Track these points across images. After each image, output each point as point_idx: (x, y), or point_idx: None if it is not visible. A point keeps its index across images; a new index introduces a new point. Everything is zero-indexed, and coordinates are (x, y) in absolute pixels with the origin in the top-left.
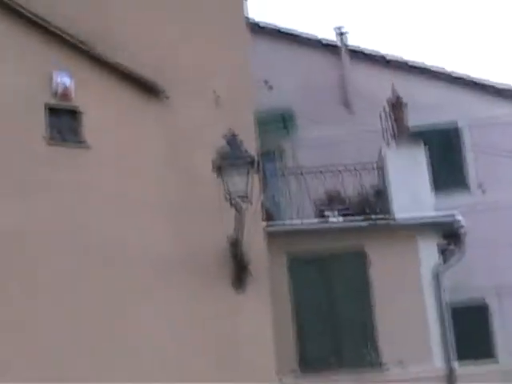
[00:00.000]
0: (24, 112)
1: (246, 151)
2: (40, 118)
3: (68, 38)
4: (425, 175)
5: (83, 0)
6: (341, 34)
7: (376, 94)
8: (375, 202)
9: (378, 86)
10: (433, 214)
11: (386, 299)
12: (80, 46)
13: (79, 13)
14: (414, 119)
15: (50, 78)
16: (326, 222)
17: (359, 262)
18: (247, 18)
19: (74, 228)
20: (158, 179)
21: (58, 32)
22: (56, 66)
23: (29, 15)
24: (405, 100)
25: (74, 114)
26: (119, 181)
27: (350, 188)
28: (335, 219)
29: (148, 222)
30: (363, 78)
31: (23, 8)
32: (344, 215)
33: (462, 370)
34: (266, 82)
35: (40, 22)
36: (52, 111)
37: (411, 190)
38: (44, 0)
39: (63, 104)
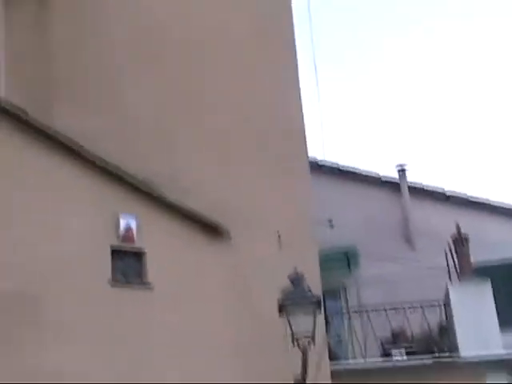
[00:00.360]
0: (89, 253)
1: (311, 291)
2: (105, 260)
3: (133, 180)
4: (491, 312)
5: (148, 143)
6: (401, 171)
7: (438, 230)
8: (441, 339)
9: (439, 222)
10: (501, 352)
11: None
12: (145, 187)
13: (144, 155)
14: (478, 254)
15: (116, 220)
16: (391, 360)
17: None
18: (309, 158)
19: (137, 367)
20: (222, 318)
21: (123, 174)
22: (121, 208)
23: (96, 160)
24: (467, 235)
25: (137, 255)
26: (182, 320)
27: (414, 325)
28: (400, 357)
29: (211, 361)
30: (425, 214)
31: (90, 153)
32: (409, 353)
33: None
34: (329, 221)
35: (107, 165)
36: (116, 253)
37: (478, 327)
38: (110, 145)
39: (127, 246)
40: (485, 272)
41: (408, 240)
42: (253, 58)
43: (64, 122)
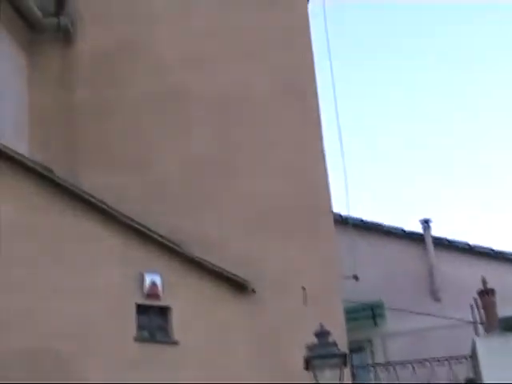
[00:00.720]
0: (115, 310)
1: (337, 346)
2: (130, 317)
3: (158, 237)
4: None
5: (173, 201)
6: (426, 224)
7: (463, 283)
8: None
9: (465, 275)
10: None
11: None
12: (170, 244)
13: (170, 213)
14: (504, 307)
15: (141, 277)
16: None
17: None
18: (333, 213)
19: None
20: (247, 375)
21: (148, 231)
22: (147, 266)
23: (121, 218)
24: (493, 288)
25: (163, 312)
26: (209, 376)
27: (441, 379)
28: None
29: None
30: (450, 266)
31: (115, 210)
32: None
33: None
34: (354, 275)
35: (132, 223)
36: (142, 310)
37: (506, 380)
38: (136, 203)
39: (153, 302)
40: (510, 323)
41: (433, 293)
42: (275, 116)
43: (89, 180)
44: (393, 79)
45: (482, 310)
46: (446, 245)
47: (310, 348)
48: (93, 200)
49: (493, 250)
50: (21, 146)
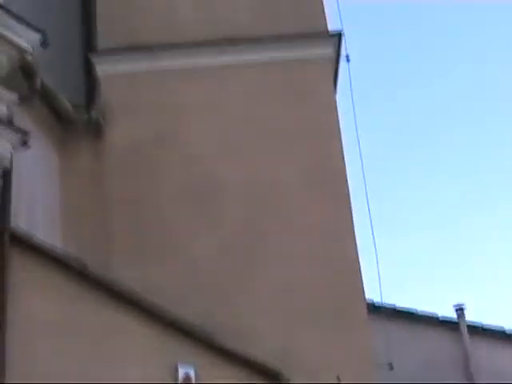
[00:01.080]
0: None
1: None
2: None
3: (191, 328)
4: None
5: (207, 292)
6: (459, 310)
7: (501, 370)
8: None
9: (502, 362)
10: None
11: None
12: (203, 335)
13: (203, 304)
14: None
15: (174, 369)
16: None
17: None
18: (366, 300)
19: None
20: None
21: (182, 323)
22: (180, 357)
23: (154, 310)
24: None
25: None
26: None
27: None
28: None
29: None
30: (486, 354)
31: (148, 302)
32: None
33: None
34: (389, 364)
35: (165, 314)
36: None
37: None
38: (168, 294)
39: None
40: None
41: (470, 380)
42: (307, 205)
43: (123, 272)
44: (421, 153)
45: None
46: (481, 331)
47: None
48: (125, 291)
49: None
50: (54, 240)
